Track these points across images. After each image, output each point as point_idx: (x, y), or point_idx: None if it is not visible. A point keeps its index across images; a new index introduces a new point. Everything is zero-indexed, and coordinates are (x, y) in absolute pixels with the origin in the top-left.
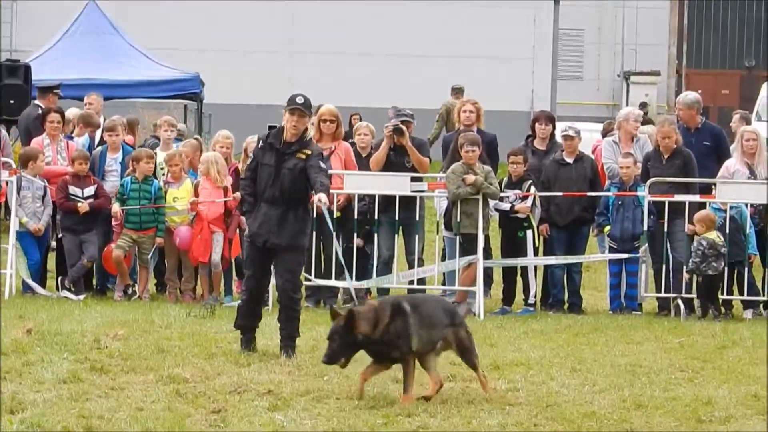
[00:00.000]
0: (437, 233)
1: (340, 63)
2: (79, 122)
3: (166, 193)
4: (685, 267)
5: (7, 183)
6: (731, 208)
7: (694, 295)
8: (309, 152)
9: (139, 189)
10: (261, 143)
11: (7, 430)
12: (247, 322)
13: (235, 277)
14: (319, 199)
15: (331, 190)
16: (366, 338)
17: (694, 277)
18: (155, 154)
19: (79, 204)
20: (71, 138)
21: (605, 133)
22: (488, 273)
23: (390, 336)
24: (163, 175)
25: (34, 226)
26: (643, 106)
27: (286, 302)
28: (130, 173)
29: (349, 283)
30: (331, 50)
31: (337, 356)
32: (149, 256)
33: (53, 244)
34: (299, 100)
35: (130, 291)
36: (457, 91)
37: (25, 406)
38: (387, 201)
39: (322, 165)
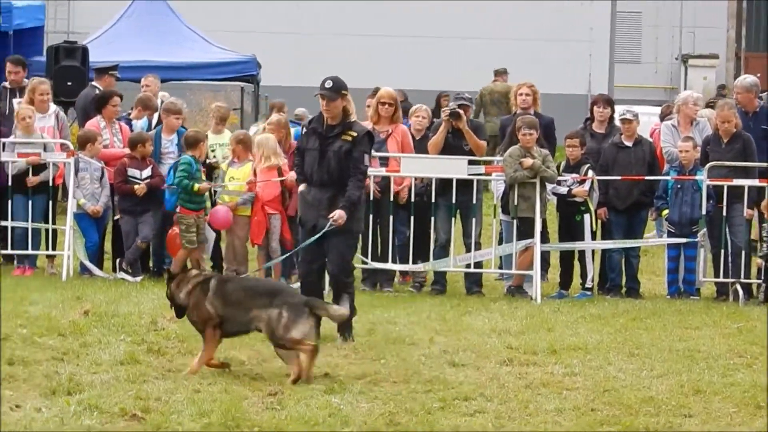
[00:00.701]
0: (494, 216)
1: (395, 45)
2: (138, 105)
3: (225, 172)
4: (744, 251)
5: (64, 165)
6: None
7: (753, 280)
8: (355, 134)
9: (199, 170)
10: (305, 129)
11: (65, 410)
12: None
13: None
14: (332, 216)
15: (387, 173)
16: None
17: (754, 261)
18: (206, 137)
19: (137, 186)
20: (129, 121)
21: (663, 117)
22: (545, 257)
23: (190, 303)
24: (214, 156)
25: (92, 208)
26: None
27: (338, 287)
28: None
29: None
30: (386, 32)
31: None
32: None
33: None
34: (327, 84)
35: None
36: (500, 73)
37: (83, 388)
38: (444, 184)
39: (365, 160)
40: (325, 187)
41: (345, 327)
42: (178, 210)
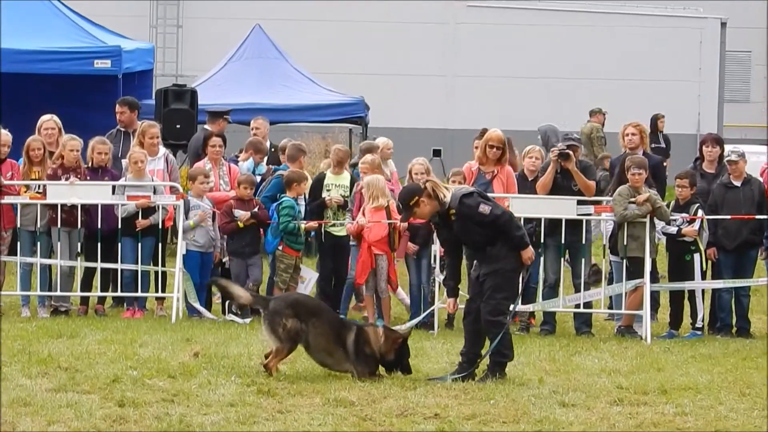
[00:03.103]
0: (604, 257)
1: (502, 86)
2: (249, 148)
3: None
4: None
5: (174, 207)
6: None
7: None
8: (453, 210)
9: (300, 211)
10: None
11: None
12: (466, 347)
13: None
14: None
15: None
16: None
17: None
18: (306, 177)
19: (241, 214)
20: (236, 162)
21: None
22: (655, 297)
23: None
24: (329, 196)
25: (200, 213)
26: None
27: (485, 325)
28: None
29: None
30: (493, 74)
31: None
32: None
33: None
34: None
35: None
36: (594, 113)
37: (193, 429)
38: (553, 224)
39: (484, 210)
40: (476, 253)
41: (491, 366)
42: (281, 248)
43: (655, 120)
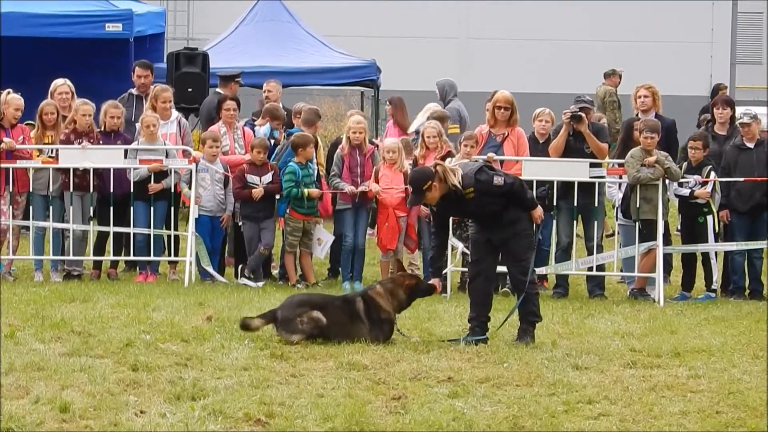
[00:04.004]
0: (616, 219)
1: (516, 48)
2: (265, 115)
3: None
4: None
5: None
6: None
7: None
8: (471, 188)
9: (307, 174)
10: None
11: (190, 415)
12: (474, 312)
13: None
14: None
15: None
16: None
17: None
18: (312, 141)
19: (254, 190)
20: (253, 126)
21: None
22: (667, 259)
23: None
24: None
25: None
26: None
27: (519, 286)
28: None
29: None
30: (507, 36)
31: None
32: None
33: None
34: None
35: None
36: (610, 75)
37: (207, 393)
38: (566, 187)
39: (498, 181)
40: (489, 222)
41: (525, 331)
42: (288, 212)
43: (717, 90)
